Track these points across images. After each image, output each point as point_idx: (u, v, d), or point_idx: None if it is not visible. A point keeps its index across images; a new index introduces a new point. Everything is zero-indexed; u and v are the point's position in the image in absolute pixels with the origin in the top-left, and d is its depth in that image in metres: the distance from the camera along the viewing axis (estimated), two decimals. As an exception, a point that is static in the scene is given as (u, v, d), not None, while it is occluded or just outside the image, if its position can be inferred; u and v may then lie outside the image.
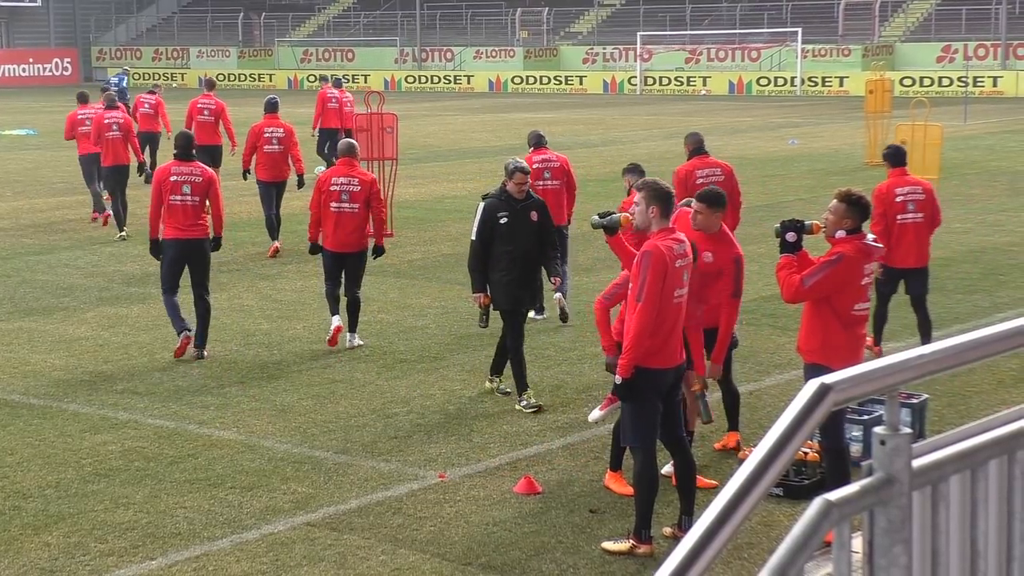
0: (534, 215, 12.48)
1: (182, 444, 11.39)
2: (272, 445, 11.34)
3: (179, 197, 14.41)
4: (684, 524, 9.15)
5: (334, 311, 14.84)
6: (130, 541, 9.24)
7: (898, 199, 13.74)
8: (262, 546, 9.13)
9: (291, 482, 10.39)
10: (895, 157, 14.13)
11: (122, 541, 9.25)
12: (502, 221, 12.34)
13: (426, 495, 10.10)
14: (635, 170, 13.21)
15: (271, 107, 21.32)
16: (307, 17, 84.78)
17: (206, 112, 25.73)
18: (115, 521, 9.61)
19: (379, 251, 15.36)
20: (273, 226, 20.99)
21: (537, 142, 16.36)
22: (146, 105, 28.17)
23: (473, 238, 12.48)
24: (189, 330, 14.36)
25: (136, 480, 10.48)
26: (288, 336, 15.25)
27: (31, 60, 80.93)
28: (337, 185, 14.70)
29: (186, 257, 14.50)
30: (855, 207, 9.09)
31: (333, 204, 14.66)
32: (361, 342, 14.82)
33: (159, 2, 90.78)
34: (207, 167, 15.18)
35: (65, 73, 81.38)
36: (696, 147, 15.19)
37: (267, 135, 20.81)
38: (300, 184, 21.15)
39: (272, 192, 21.00)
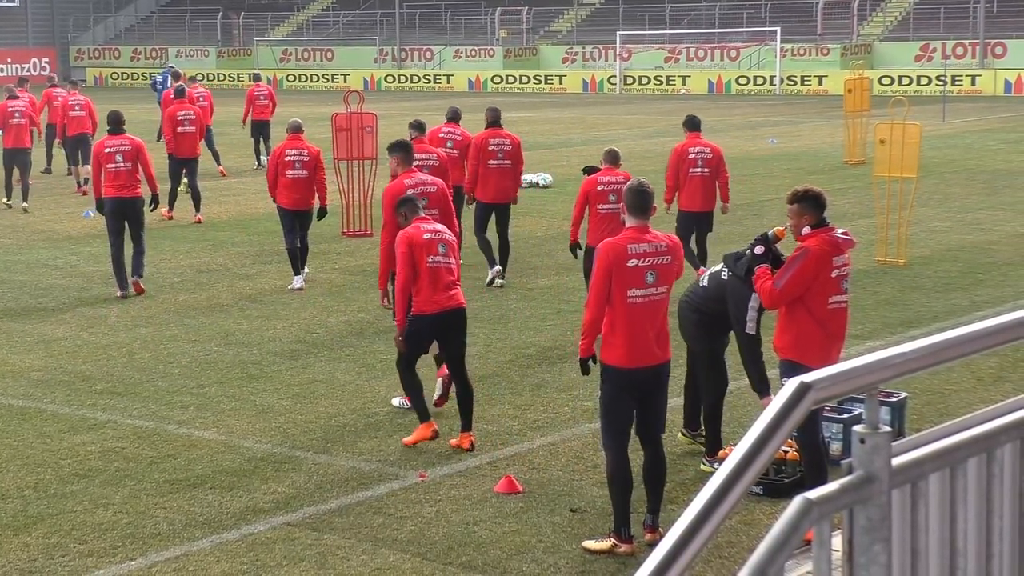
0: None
1: (162, 444, 11.36)
2: (252, 445, 11.32)
3: (113, 165, 17.44)
4: (648, 521, 9.24)
5: (296, 271, 17.88)
6: (110, 542, 9.22)
7: (691, 156, 17.37)
8: (242, 546, 9.12)
9: (271, 482, 10.38)
10: (692, 124, 17.80)
11: (102, 542, 9.22)
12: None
13: (407, 495, 10.09)
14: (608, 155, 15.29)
15: (180, 93, 25.51)
16: (286, 17, 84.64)
17: (201, 99, 29.11)
18: (94, 522, 9.59)
19: (322, 212, 18.13)
20: (175, 196, 24.36)
21: (453, 116, 19.58)
22: (201, 99, 29.94)
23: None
24: (126, 290, 17.48)
25: (115, 480, 10.46)
26: (268, 336, 15.22)
27: (9, 60, 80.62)
28: (291, 156, 17.71)
29: (123, 212, 17.54)
30: (807, 202, 9.16)
31: (289, 172, 17.63)
32: (308, 270, 18.16)
33: (137, 2, 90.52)
34: (134, 137, 18.04)
35: (43, 73, 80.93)
36: (492, 120, 18.38)
37: (180, 118, 24.31)
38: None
39: (181, 167, 24.21)
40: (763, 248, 9.45)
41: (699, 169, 17.31)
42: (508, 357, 14.15)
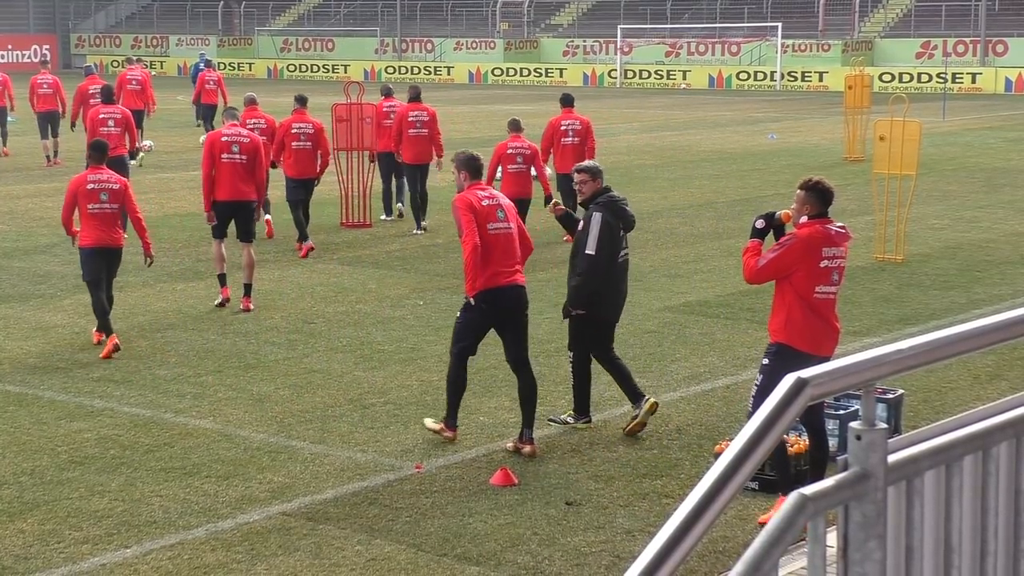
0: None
1: (158, 433, 11.37)
2: (248, 434, 11.32)
3: (106, 128, 21.11)
4: (525, 435, 10.85)
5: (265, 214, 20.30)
6: (105, 529, 9.23)
7: (563, 128, 20.47)
8: (237, 535, 9.12)
9: (267, 472, 10.38)
10: (566, 100, 20.97)
11: (97, 529, 9.23)
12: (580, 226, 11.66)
13: (402, 486, 10.10)
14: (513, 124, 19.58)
15: (88, 72, 29.66)
16: (287, 6, 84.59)
17: (133, 83, 31.85)
18: (90, 509, 9.60)
19: (273, 165, 20.17)
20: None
21: (387, 92, 23.28)
22: (133, 82, 32.10)
23: None
24: None
25: (111, 468, 10.46)
26: (265, 326, 15.22)
27: (10, 46, 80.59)
28: (250, 124, 19.78)
29: (112, 167, 19.30)
30: (813, 192, 9.37)
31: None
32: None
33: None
34: (125, 109, 22.63)
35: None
36: (413, 96, 21.88)
37: (92, 91, 26.76)
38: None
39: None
40: (764, 223, 9.59)
41: (570, 139, 20.49)
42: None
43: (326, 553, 8.81)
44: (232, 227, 16.47)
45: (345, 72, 69.84)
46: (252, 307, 15.98)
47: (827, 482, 3.50)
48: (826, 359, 9.20)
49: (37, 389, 12.74)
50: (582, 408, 11.54)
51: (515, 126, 19.46)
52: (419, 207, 21.86)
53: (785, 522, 3.30)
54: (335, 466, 10.51)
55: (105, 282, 14.39)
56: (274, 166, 20.43)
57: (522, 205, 18.73)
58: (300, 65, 75.31)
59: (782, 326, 9.32)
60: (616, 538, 9.10)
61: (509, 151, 19.11)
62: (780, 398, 3.41)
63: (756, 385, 9.42)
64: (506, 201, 11.26)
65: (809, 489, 3.40)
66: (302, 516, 9.48)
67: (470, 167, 11.32)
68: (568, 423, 11.47)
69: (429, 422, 11.28)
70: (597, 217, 11.35)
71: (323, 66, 74.50)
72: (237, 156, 16.19)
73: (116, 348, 13.92)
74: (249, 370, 13.38)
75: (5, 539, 9.08)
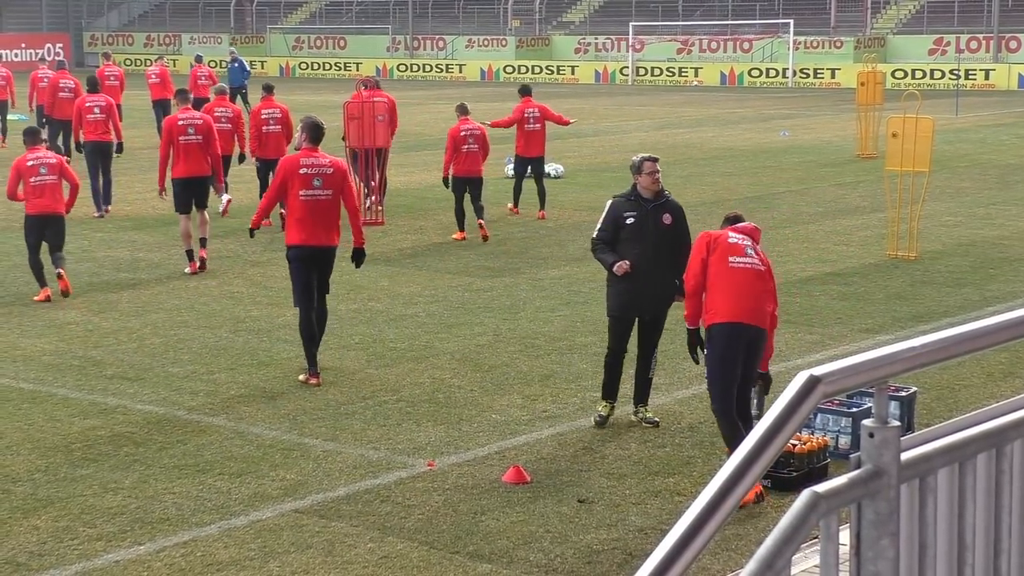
0: (667, 218, 11.29)
1: (171, 430, 11.39)
2: (261, 432, 11.34)
3: (92, 116, 23.22)
4: (311, 372, 12.71)
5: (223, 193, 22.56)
6: (118, 526, 9.25)
7: (525, 115, 22.60)
8: (250, 532, 9.14)
9: (280, 469, 10.40)
10: (524, 90, 23.35)
11: (111, 526, 9.25)
12: (628, 221, 11.23)
13: (414, 483, 10.10)
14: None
15: (60, 66, 30.36)
16: (299, 4, 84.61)
17: (111, 78, 32.17)
18: (104, 506, 9.62)
19: (242, 157, 22.68)
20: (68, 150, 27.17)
21: (373, 85, 23.97)
22: (111, 78, 32.68)
23: (593, 235, 11.51)
24: (101, 211, 23.27)
25: (125, 465, 10.49)
26: (278, 323, 15.24)
27: (23, 45, 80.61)
28: (218, 112, 21.73)
29: (98, 153, 23.22)
30: (726, 222, 10.24)
31: (217, 125, 20.18)
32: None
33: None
34: (109, 98, 24.11)
35: (57, 58, 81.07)
36: (371, 85, 23.26)
37: (62, 85, 28.31)
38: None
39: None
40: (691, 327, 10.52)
41: (531, 125, 22.74)
42: (518, 347, 14.16)
43: (338, 550, 8.82)
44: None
45: (357, 70, 69.82)
46: (207, 256, 18.31)
47: (840, 480, 3.50)
48: (756, 329, 9.82)
49: (51, 387, 12.77)
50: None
51: (463, 110, 21.06)
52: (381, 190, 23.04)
53: (798, 520, 3.30)
54: (347, 464, 10.53)
55: (51, 245, 16.56)
56: (242, 159, 22.67)
57: (474, 184, 20.62)
58: (312, 63, 75.34)
59: (705, 311, 9.97)
60: (628, 536, 9.11)
61: (462, 133, 20.55)
62: (793, 396, 3.41)
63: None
64: (329, 171, 12.78)
65: (822, 487, 3.40)
66: (314, 513, 9.49)
67: (312, 133, 12.86)
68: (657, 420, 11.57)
69: (301, 377, 12.77)
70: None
71: (335, 64, 74.51)
72: (193, 137, 18.32)
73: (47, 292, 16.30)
74: (262, 368, 13.40)
75: (20, 536, 9.11)
